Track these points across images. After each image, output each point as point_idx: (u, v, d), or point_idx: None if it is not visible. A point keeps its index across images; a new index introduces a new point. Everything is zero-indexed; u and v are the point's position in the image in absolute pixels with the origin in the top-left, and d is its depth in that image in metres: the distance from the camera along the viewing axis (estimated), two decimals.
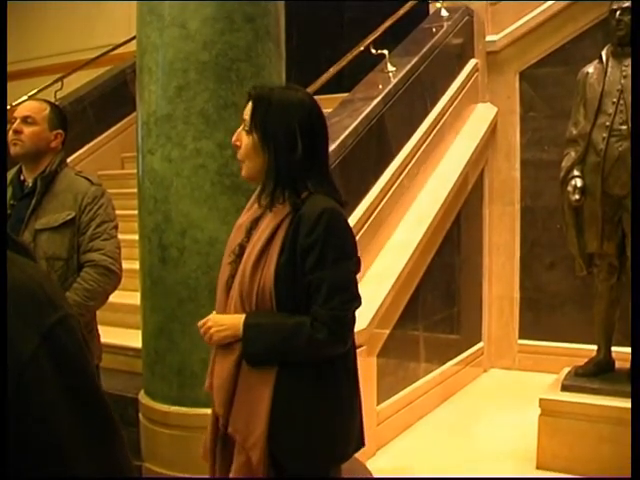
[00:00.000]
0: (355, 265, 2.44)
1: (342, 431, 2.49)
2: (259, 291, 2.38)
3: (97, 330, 3.64)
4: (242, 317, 2.41)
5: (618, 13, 4.61)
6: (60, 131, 3.54)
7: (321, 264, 2.32)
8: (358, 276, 2.48)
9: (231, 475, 2.50)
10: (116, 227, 3.52)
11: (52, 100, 7.29)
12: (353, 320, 2.43)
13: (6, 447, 0.97)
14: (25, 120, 3.47)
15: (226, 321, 2.45)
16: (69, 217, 3.38)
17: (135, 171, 3.90)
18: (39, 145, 3.46)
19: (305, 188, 2.42)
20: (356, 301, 2.42)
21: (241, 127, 2.51)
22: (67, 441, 1.03)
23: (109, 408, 1.10)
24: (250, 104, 2.50)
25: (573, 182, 4.62)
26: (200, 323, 2.53)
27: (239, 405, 2.44)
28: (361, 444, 2.60)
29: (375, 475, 4.26)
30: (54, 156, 3.51)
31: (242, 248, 2.49)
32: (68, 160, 3.72)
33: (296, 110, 2.47)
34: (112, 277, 3.42)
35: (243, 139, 2.48)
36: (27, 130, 3.45)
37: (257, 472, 2.38)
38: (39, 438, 1.00)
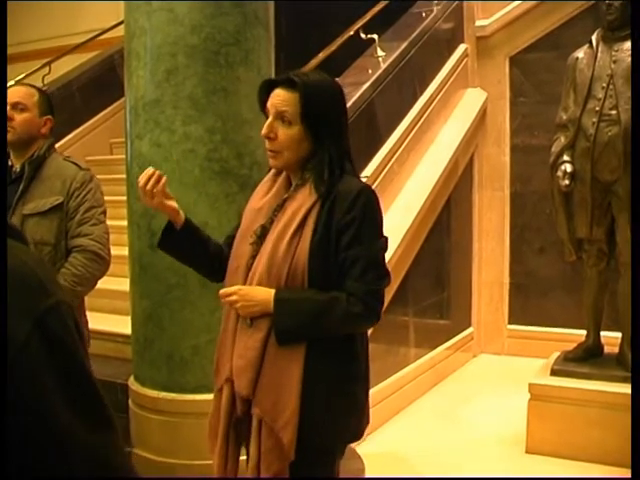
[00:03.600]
0: (384, 244, 2.49)
1: (362, 407, 2.54)
2: (291, 269, 2.38)
3: (85, 316, 3.63)
4: (272, 292, 2.39)
5: None
6: (49, 116, 3.53)
7: (358, 241, 2.36)
8: None
9: (255, 461, 2.46)
10: (104, 212, 3.50)
11: (40, 85, 7.29)
12: (384, 295, 2.45)
13: (6, 447, 0.97)
14: (16, 106, 3.44)
15: (255, 295, 2.42)
16: (57, 202, 3.36)
17: (124, 156, 3.88)
18: (30, 131, 3.44)
19: (342, 170, 2.46)
20: (387, 277, 2.45)
21: (271, 118, 2.45)
22: (60, 427, 1.03)
23: (100, 394, 1.10)
24: (284, 92, 2.44)
25: (563, 167, 4.62)
26: (223, 292, 2.47)
27: (266, 385, 2.41)
28: (368, 421, 2.63)
29: (365, 460, 4.27)
30: (43, 141, 3.49)
31: (265, 229, 2.49)
32: (57, 145, 3.71)
33: (337, 96, 2.53)
34: (100, 262, 3.40)
35: (280, 130, 2.44)
36: (19, 117, 3.42)
37: (288, 453, 2.37)
38: (32, 424, 1.00)
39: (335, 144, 2.46)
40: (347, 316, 2.37)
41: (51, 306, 1.05)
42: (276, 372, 2.40)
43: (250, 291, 2.43)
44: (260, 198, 2.62)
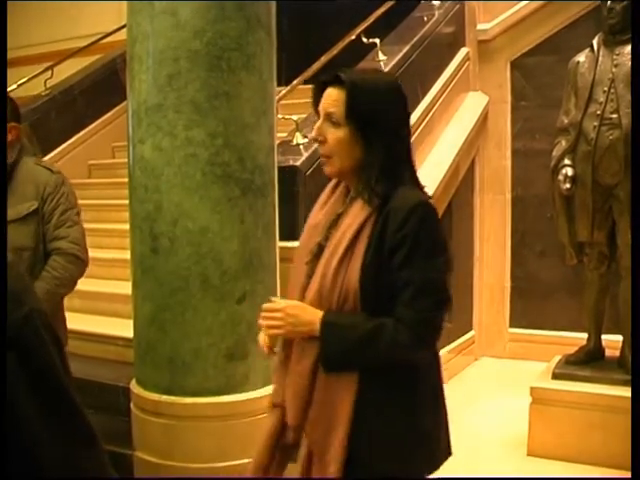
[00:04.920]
0: (445, 265, 2.24)
1: (428, 440, 2.34)
2: (342, 291, 2.21)
3: (63, 315, 3.65)
4: (320, 313, 2.23)
5: (609, 2, 4.61)
6: (13, 124, 3.51)
7: (410, 262, 2.15)
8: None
9: None
10: (78, 213, 3.54)
11: (42, 89, 7.31)
12: (441, 323, 2.24)
13: (6, 447, 0.97)
14: None
15: (304, 315, 2.26)
16: (32, 208, 3.40)
17: (126, 160, 3.89)
18: None
19: (397, 180, 2.26)
20: (445, 303, 2.24)
21: (321, 120, 2.32)
22: (30, 438, 1.03)
23: (78, 406, 1.09)
24: (335, 92, 2.29)
25: (564, 171, 4.62)
26: (268, 307, 2.33)
27: (317, 415, 2.28)
28: (449, 453, 2.46)
29: None
30: (11, 150, 3.49)
31: (321, 247, 2.32)
32: (60, 148, 3.72)
33: (392, 95, 2.35)
34: (79, 264, 3.45)
35: (329, 133, 2.29)
36: None
37: None
38: (6, 433, 1.00)
39: (387, 149, 2.25)
40: (393, 345, 2.16)
41: (23, 317, 1.05)
42: (326, 401, 2.26)
43: (298, 311, 2.28)
44: (317, 212, 2.49)
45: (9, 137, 3.48)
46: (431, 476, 2.28)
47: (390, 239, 2.17)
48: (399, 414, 2.26)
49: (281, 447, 2.44)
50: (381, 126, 2.26)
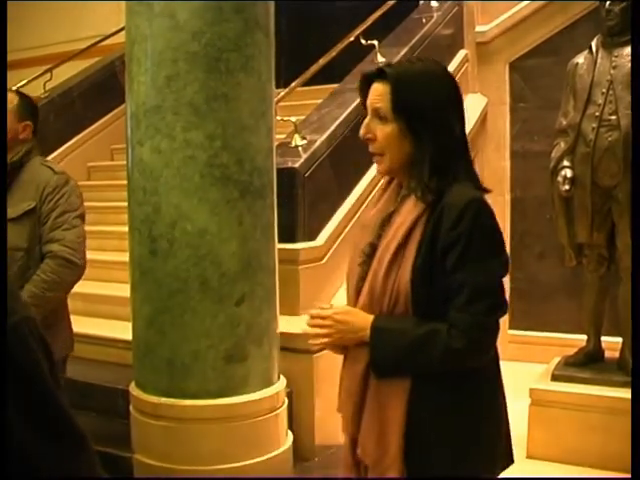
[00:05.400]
0: (502, 266, 2.14)
1: (487, 448, 2.26)
2: (392, 294, 2.13)
3: (68, 320, 3.64)
4: (370, 318, 2.16)
5: (608, 3, 4.61)
6: (28, 122, 3.53)
7: (464, 263, 2.05)
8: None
9: None
10: (81, 216, 3.52)
11: (41, 92, 7.30)
12: (496, 328, 2.15)
13: (6, 446, 0.97)
14: None
15: (354, 322, 2.19)
16: (29, 207, 3.39)
17: (125, 162, 3.89)
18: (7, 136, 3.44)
19: (451, 176, 2.15)
20: (501, 307, 2.13)
21: (369, 116, 2.24)
22: (24, 449, 1.03)
23: (66, 411, 1.09)
24: (380, 86, 2.21)
25: (563, 172, 4.63)
26: (316, 314, 2.29)
27: (368, 422, 2.20)
28: (510, 460, 2.41)
29: None
30: (21, 147, 3.49)
31: (374, 247, 2.23)
32: (59, 151, 3.71)
33: (443, 86, 2.24)
34: (72, 268, 3.41)
35: (378, 129, 2.21)
36: None
37: None
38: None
39: (438, 143, 2.15)
40: (447, 352, 2.07)
41: (12, 326, 1.05)
42: (378, 408, 2.18)
43: (347, 317, 2.22)
44: (369, 211, 2.40)
45: (21, 135, 3.49)
46: (431, 477, 2.24)
47: (443, 238, 2.08)
48: (454, 420, 2.17)
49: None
50: (429, 119, 2.16)
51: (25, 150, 3.51)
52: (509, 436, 2.38)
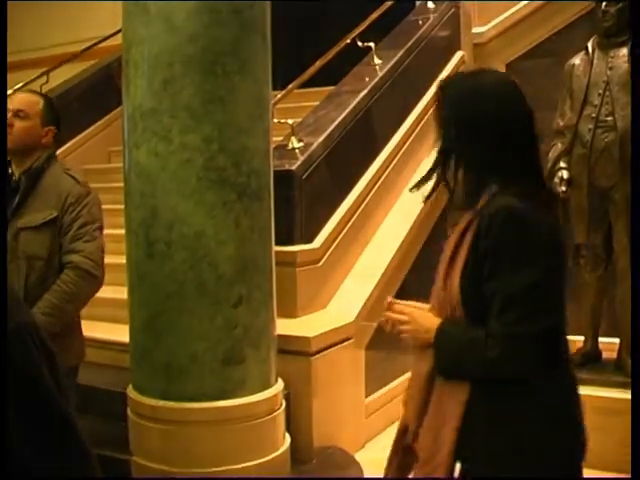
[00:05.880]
0: (539, 273, 2.06)
1: (554, 454, 2.21)
2: (447, 298, 2.19)
3: (80, 330, 3.63)
4: (438, 321, 2.22)
5: (604, 4, 4.63)
6: (52, 127, 3.52)
7: (496, 272, 2.07)
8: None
9: None
10: (100, 228, 3.50)
11: None
12: (534, 339, 2.06)
13: (6, 446, 0.97)
14: (17, 114, 3.43)
15: (425, 323, 2.26)
16: (50, 217, 3.36)
17: (121, 165, 3.89)
18: (27, 141, 3.43)
19: (495, 185, 2.17)
20: (532, 318, 2.05)
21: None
22: (25, 454, 1.03)
23: (68, 417, 1.09)
24: (440, 96, 2.31)
25: (560, 174, 4.64)
26: (397, 307, 2.35)
27: (429, 419, 2.24)
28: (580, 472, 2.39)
29: (364, 467, 4.28)
30: (43, 152, 3.48)
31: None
32: (56, 153, 3.70)
33: (486, 97, 2.22)
34: (91, 280, 3.39)
35: (438, 135, 2.30)
36: (18, 124, 3.41)
37: None
38: None
39: (480, 152, 2.19)
40: (485, 362, 2.09)
41: (10, 331, 1.05)
42: (439, 408, 2.21)
43: (421, 318, 2.29)
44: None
45: (44, 140, 3.48)
46: (430, 476, 2.25)
47: (480, 248, 2.11)
48: (512, 426, 2.14)
49: (404, 447, 2.41)
50: (470, 129, 2.20)
51: (46, 156, 3.49)
52: (578, 443, 2.37)
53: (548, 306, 2.12)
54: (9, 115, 3.41)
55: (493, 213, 2.09)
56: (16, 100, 3.51)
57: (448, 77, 2.36)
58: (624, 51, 4.50)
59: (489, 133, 2.18)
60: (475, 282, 2.11)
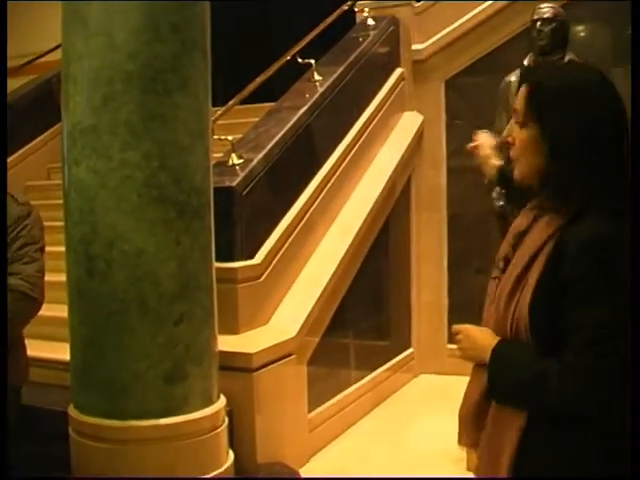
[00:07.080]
0: (619, 308, 1.89)
1: None
2: (514, 318, 2.00)
3: (24, 349, 3.59)
4: (494, 341, 2.05)
5: (539, 24, 4.73)
6: None
7: (583, 303, 1.89)
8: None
9: None
10: (41, 249, 3.45)
11: None
12: (610, 375, 1.88)
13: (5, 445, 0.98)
14: None
15: (478, 340, 2.11)
16: None
17: (61, 182, 3.86)
18: None
19: (584, 199, 1.95)
20: (612, 354, 1.87)
21: (513, 120, 2.15)
22: None
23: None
24: (524, 89, 2.08)
25: (497, 189, 4.70)
26: (455, 329, 2.22)
27: (485, 442, 2.15)
28: None
29: None
30: None
31: (506, 262, 2.14)
32: None
33: (584, 95, 1.99)
34: (29, 302, 3.35)
35: (516, 134, 2.08)
36: None
37: None
38: None
39: (577, 159, 1.94)
40: (557, 396, 1.92)
41: None
42: (494, 431, 2.09)
43: (474, 334, 2.15)
44: (520, 217, 2.24)
45: None
46: (429, 476, 2.21)
47: (561, 274, 1.92)
48: (570, 457, 1.99)
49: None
50: (568, 129, 1.96)
51: None
52: None
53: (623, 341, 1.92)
54: None
55: (583, 242, 1.89)
56: None
57: (543, 70, 2.19)
58: None
59: (595, 138, 1.95)
60: (549, 308, 1.94)
